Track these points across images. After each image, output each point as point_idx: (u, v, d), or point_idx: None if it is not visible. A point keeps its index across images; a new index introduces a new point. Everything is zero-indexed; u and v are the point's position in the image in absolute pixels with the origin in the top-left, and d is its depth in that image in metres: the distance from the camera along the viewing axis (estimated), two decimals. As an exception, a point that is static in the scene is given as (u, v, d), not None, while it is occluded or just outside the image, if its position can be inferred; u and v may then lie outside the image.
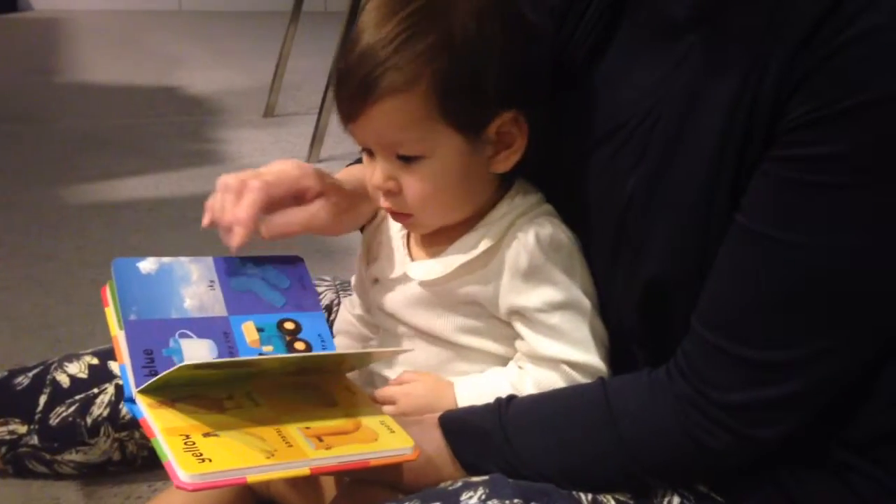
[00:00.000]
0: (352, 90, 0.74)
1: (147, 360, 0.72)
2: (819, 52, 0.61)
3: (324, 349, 0.81)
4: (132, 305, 0.75)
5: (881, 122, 0.60)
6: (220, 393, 0.72)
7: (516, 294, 0.78)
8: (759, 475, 0.74)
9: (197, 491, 0.63)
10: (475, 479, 0.72)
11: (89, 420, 0.97)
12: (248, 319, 0.79)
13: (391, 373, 0.85)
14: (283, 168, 0.82)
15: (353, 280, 0.97)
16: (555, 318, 0.78)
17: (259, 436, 0.69)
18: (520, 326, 0.80)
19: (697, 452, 0.69)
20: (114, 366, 0.98)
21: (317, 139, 2.49)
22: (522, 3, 0.77)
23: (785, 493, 0.73)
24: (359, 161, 0.87)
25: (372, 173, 0.78)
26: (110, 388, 0.98)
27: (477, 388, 0.80)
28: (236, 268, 0.82)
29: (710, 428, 0.68)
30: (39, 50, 3.99)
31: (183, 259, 0.80)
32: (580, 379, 0.78)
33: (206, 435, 0.67)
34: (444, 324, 0.82)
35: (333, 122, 0.78)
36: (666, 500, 0.73)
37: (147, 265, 0.78)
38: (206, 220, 0.80)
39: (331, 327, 0.96)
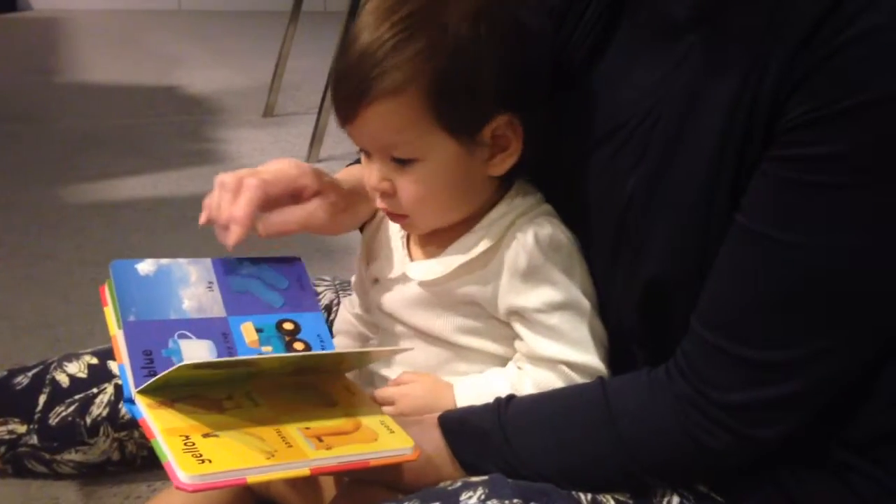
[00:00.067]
0: (347, 92, 0.74)
1: (146, 361, 0.72)
2: (819, 52, 0.61)
3: (323, 349, 0.80)
4: (131, 307, 0.75)
5: (881, 122, 0.60)
6: (219, 393, 0.72)
7: (515, 294, 0.78)
8: (759, 475, 0.74)
9: (197, 492, 0.63)
10: (474, 479, 0.72)
11: (89, 420, 0.97)
12: (247, 320, 0.79)
13: (390, 373, 0.85)
14: (281, 167, 0.82)
15: (352, 280, 0.97)
16: (554, 319, 0.78)
17: (259, 436, 0.68)
18: (519, 327, 0.80)
19: (697, 452, 0.69)
20: (113, 365, 0.98)
21: (316, 139, 2.49)
22: (520, 5, 0.77)
23: (785, 493, 0.73)
24: (358, 161, 0.87)
25: (369, 174, 0.78)
26: (110, 388, 0.98)
27: (476, 388, 0.80)
28: (235, 269, 0.82)
29: (710, 428, 0.68)
30: (39, 50, 3.98)
31: (181, 260, 0.80)
32: (579, 379, 0.78)
33: (205, 435, 0.67)
34: (444, 324, 0.82)
35: (333, 122, 0.78)
36: (665, 500, 0.73)
37: (145, 267, 0.78)
38: (203, 218, 0.80)
39: (330, 327, 0.96)
